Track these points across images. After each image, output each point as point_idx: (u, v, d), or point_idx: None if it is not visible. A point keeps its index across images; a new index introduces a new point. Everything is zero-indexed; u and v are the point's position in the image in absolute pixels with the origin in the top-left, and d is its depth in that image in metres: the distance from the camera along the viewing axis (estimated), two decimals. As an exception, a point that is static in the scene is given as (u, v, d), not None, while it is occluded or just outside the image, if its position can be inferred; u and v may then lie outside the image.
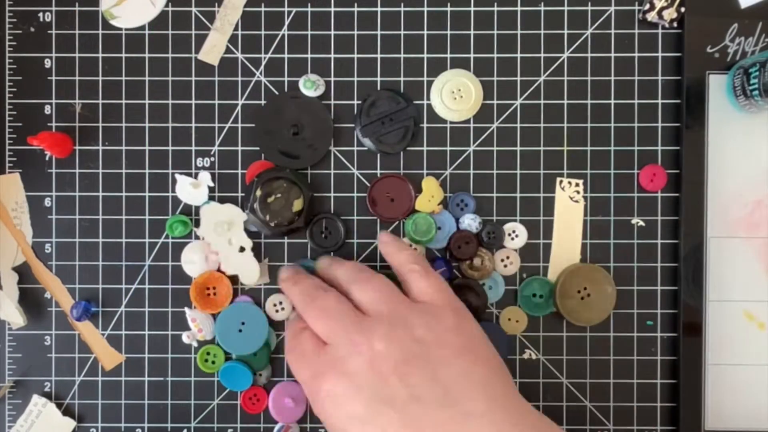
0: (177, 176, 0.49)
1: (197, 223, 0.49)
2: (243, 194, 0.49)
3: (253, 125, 0.49)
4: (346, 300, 0.42)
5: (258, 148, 0.49)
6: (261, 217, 0.47)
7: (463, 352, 0.38)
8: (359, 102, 0.49)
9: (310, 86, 0.48)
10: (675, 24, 0.49)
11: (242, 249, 0.48)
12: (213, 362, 0.49)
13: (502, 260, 0.49)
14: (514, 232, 0.49)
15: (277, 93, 0.49)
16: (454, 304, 0.41)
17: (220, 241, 0.48)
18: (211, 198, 0.49)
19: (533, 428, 0.37)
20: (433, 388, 0.37)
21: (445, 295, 0.41)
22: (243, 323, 0.48)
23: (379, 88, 0.49)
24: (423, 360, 0.38)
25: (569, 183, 0.49)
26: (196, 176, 0.49)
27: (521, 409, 0.38)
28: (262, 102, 0.49)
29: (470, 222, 0.48)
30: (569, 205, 0.49)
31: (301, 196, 0.48)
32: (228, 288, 0.49)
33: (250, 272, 0.48)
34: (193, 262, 0.49)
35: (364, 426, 0.37)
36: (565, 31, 0.49)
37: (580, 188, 0.49)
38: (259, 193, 0.47)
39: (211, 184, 0.49)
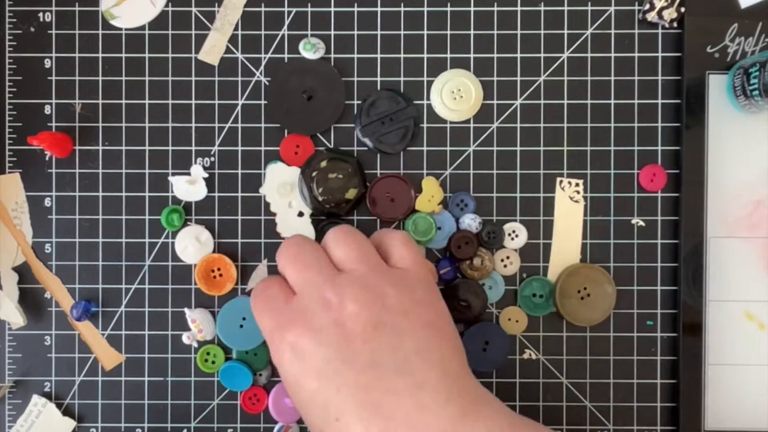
0: (170, 178, 0.49)
1: (196, 212, 0.49)
2: (243, 194, 0.49)
3: (266, 102, 0.49)
4: (324, 252, 0.41)
5: (263, 141, 0.49)
6: (313, 187, 0.47)
7: (428, 326, 0.39)
8: (359, 102, 0.49)
9: (309, 48, 0.48)
10: (675, 24, 0.49)
11: (301, 214, 0.48)
12: (213, 362, 0.49)
13: (502, 260, 0.49)
14: (514, 232, 0.49)
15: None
16: (428, 279, 0.41)
17: (281, 203, 0.48)
18: (210, 194, 0.49)
19: (483, 402, 0.38)
20: (394, 355, 0.37)
21: (422, 269, 0.41)
22: (244, 318, 0.48)
23: (379, 88, 0.49)
24: (390, 328, 0.38)
25: (569, 183, 0.49)
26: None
27: (472, 386, 0.39)
28: (262, 102, 0.49)
29: (470, 222, 0.48)
30: (569, 205, 0.49)
31: (357, 187, 0.48)
32: (232, 267, 0.49)
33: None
34: (186, 247, 0.49)
35: (320, 382, 0.37)
36: (565, 31, 0.49)
37: (580, 188, 0.49)
38: (324, 164, 0.47)
39: (206, 175, 0.49)
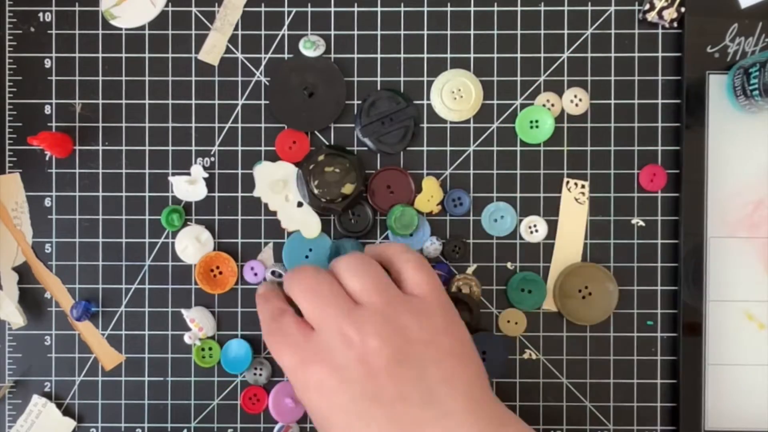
0: (170, 178, 0.49)
1: (196, 212, 0.49)
2: (243, 194, 0.49)
3: (266, 102, 0.49)
4: (339, 284, 0.41)
5: (263, 141, 0.49)
6: (309, 180, 0.47)
7: (451, 354, 0.39)
8: (359, 102, 0.49)
9: (309, 46, 0.48)
10: (675, 24, 0.49)
11: (300, 204, 0.48)
12: (210, 356, 0.49)
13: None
14: (534, 225, 0.49)
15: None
16: (446, 304, 0.41)
17: (277, 199, 0.48)
18: (210, 194, 0.49)
19: (509, 424, 0.38)
20: (419, 387, 0.37)
21: (438, 293, 0.41)
22: (310, 250, 0.48)
23: (379, 88, 0.49)
24: (413, 360, 0.38)
25: (575, 184, 0.49)
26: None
27: (498, 409, 0.39)
28: (263, 102, 0.49)
29: (429, 247, 0.48)
30: (574, 206, 0.49)
31: (355, 183, 0.47)
32: (231, 262, 0.49)
33: (312, 225, 0.48)
34: (186, 247, 0.49)
35: (349, 418, 0.37)
36: (565, 31, 0.49)
37: (586, 189, 0.49)
38: (321, 158, 0.47)
39: (206, 175, 0.49)
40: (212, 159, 0.49)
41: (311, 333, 0.40)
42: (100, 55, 0.49)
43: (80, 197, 0.50)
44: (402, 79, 0.49)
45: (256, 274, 0.49)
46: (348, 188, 0.47)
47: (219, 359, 0.49)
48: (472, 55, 0.49)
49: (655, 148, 0.49)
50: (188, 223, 0.49)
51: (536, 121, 0.48)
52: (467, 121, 0.49)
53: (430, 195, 0.49)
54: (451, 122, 0.49)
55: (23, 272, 0.50)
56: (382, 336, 0.38)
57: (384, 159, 0.49)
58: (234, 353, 0.49)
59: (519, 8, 0.49)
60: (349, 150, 0.49)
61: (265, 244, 0.49)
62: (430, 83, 0.49)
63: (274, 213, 0.49)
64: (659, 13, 0.48)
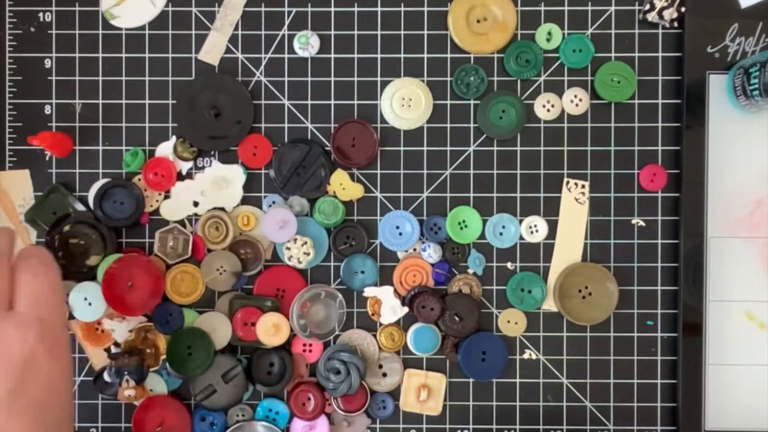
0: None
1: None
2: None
3: (176, 125, 0.49)
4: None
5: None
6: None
7: None
8: (266, 172, 0.49)
9: (304, 42, 0.47)
10: (675, 24, 0.49)
11: (196, 204, 0.48)
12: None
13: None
14: (535, 225, 0.49)
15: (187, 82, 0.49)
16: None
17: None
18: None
19: None
20: None
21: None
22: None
23: (379, 88, 0.49)
24: None
25: (575, 184, 0.49)
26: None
27: None
28: (263, 102, 0.49)
29: (430, 253, 0.48)
30: (574, 206, 0.49)
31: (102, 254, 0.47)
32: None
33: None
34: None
35: None
36: (566, 31, 0.49)
37: (586, 190, 0.49)
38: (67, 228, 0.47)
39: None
40: (212, 159, 0.49)
41: None
42: (100, 55, 0.49)
43: (80, 197, 0.50)
44: (402, 78, 0.49)
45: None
46: (94, 260, 0.47)
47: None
48: (472, 55, 0.49)
49: (655, 148, 0.49)
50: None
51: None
52: (468, 121, 0.49)
53: (338, 182, 0.48)
54: (452, 122, 0.49)
55: (23, 272, 0.50)
56: None
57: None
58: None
59: (519, 8, 0.49)
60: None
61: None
62: (430, 83, 0.49)
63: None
64: (659, 13, 0.48)
